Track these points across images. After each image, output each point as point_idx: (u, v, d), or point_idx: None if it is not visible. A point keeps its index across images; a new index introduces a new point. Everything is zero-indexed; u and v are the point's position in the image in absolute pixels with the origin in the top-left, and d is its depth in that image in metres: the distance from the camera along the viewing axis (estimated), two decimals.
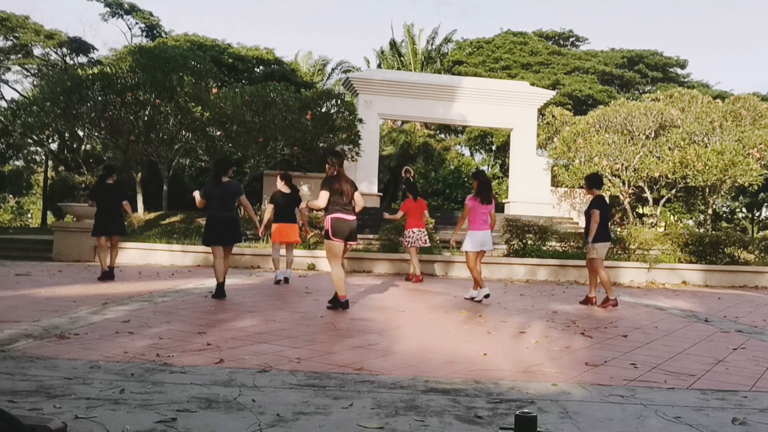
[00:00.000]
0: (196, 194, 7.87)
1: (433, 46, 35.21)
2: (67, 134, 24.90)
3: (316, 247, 12.99)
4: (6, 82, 29.72)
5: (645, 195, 19.98)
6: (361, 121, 18.05)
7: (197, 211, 18.43)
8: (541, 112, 22.67)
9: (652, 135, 19.19)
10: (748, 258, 14.01)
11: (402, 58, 34.69)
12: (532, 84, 24.84)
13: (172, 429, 2.86)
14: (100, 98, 16.86)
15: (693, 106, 19.75)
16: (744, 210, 31.70)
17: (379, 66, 35.52)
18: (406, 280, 10.91)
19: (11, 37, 27.35)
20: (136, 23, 31.93)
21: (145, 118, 17.35)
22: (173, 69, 17.33)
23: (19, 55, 28.44)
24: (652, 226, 19.55)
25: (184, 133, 18.17)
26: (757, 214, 31.74)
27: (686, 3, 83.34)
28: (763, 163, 18.59)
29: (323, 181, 7.07)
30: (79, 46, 28.79)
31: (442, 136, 32.86)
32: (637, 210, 22.80)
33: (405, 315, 6.82)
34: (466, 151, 33.47)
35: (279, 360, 4.33)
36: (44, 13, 63.59)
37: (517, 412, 1.52)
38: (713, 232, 17.04)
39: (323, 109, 17.42)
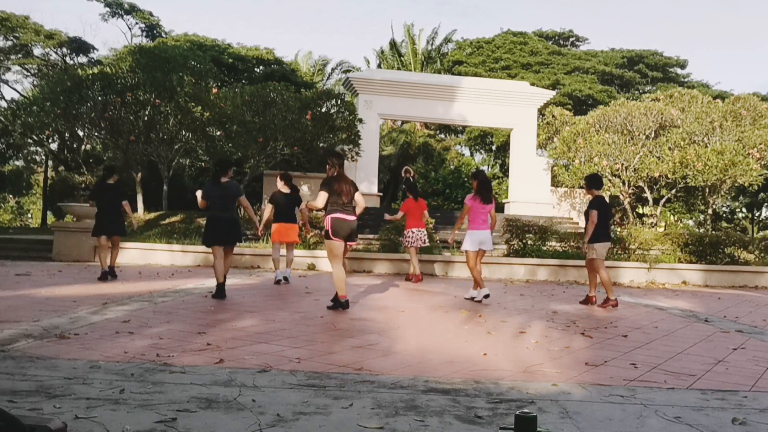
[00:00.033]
0: (198, 194, 7.90)
1: (433, 46, 35.22)
2: (67, 134, 24.90)
3: (316, 247, 12.99)
4: (6, 82, 29.75)
5: (645, 195, 19.98)
6: (361, 121, 18.05)
7: (197, 211, 18.46)
8: (541, 112, 22.68)
9: (652, 135, 19.19)
10: (748, 258, 14.01)
11: (402, 58, 34.69)
12: (532, 84, 24.85)
13: (172, 429, 2.86)
14: (100, 98, 16.87)
15: (693, 106, 19.75)
16: (744, 210, 31.70)
17: (379, 66, 35.52)
18: (406, 280, 10.91)
19: (11, 37, 27.35)
20: (136, 23, 31.94)
21: (145, 118, 17.35)
22: (173, 69, 17.33)
23: (19, 55, 28.45)
24: (652, 226, 19.55)
25: (184, 133, 18.17)
26: (757, 214, 31.74)
27: (686, 3, 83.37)
28: (763, 163, 18.59)
29: (323, 181, 7.08)
30: (79, 46, 28.79)
31: (442, 136, 32.87)
32: (637, 210, 22.80)
33: (405, 315, 6.82)
34: (466, 151, 33.48)
35: (279, 360, 4.33)
36: (44, 13, 63.65)
37: (517, 412, 1.52)
38: (713, 232, 17.04)
39: (323, 109, 17.43)
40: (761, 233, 29.11)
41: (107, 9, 30.82)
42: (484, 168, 31.64)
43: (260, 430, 2.87)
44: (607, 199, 9.19)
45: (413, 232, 10.77)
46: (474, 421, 3.13)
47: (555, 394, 3.69)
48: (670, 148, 18.47)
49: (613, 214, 19.24)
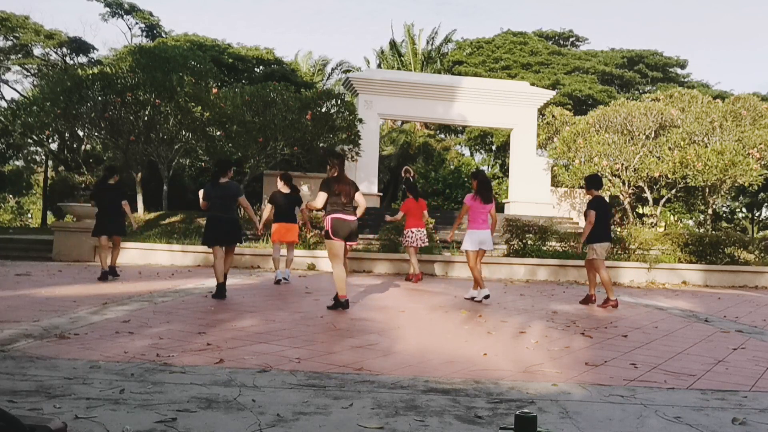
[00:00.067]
0: (201, 194, 7.93)
1: (433, 46, 35.22)
2: (67, 134, 24.90)
3: (316, 247, 12.99)
4: (6, 82, 29.75)
5: (645, 195, 19.98)
6: (361, 121, 18.05)
7: (197, 211, 18.46)
8: (541, 112, 22.68)
9: (652, 135, 19.19)
10: (748, 258, 14.01)
11: (402, 58, 34.69)
12: (532, 84, 24.85)
13: (172, 429, 2.86)
14: (100, 98, 16.87)
15: (693, 106, 19.75)
16: (744, 210, 31.70)
17: (379, 66, 35.52)
18: (407, 280, 10.92)
19: (11, 37, 27.36)
20: (136, 23, 31.94)
21: (145, 118, 17.35)
22: (173, 69, 17.33)
23: (19, 55, 28.45)
24: (652, 226, 19.55)
25: (184, 133, 18.17)
26: (757, 214, 31.74)
27: (686, 3, 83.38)
28: (763, 163, 18.59)
29: (322, 182, 7.11)
30: (79, 46, 28.80)
31: (442, 136, 32.87)
32: (637, 210, 22.80)
33: (405, 315, 6.83)
34: (466, 151, 33.49)
35: (279, 360, 4.33)
36: (44, 13, 63.69)
37: (517, 412, 1.52)
38: (713, 232, 17.04)
39: (323, 109, 17.43)
40: (761, 233, 29.11)
41: (107, 9, 30.83)
42: (484, 168, 31.64)
43: (260, 430, 2.87)
44: (607, 199, 9.20)
45: (413, 232, 10.78)
46: (474, 421, 3.13)
47: (555, 394, 3.69)
48: (670, 148, 18.47)
49: (613, 214, 19.25)
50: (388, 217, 11.98)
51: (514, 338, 5.62)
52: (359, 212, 7.10)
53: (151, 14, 31.64)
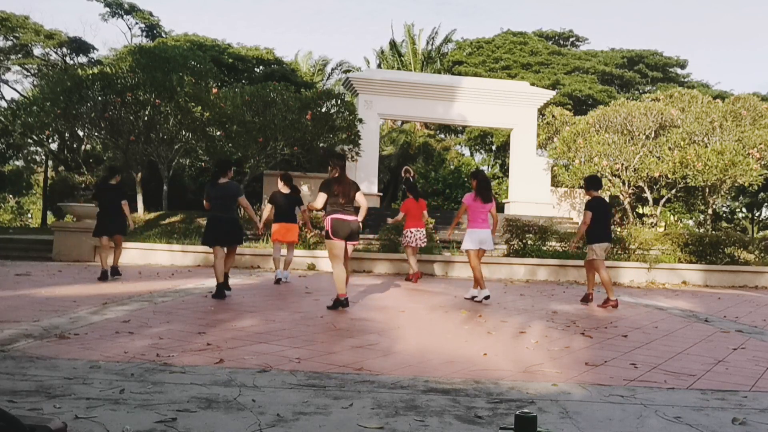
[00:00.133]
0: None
1: (433, 46, 35.22)
2: (67, 134, 24.91)
3: (316, 247, 12.99)
4: (6, 82, 29.76)
5: (645, 195, 19.98)
6: (361, 121, 18.05)
7: (197, 211, 18.47)
8: (541, 112, 22.68)
9: (652, 135, 19.19)
10: (748, 258, 14.01)
11: (402, 58, 34.69)
12: (532, 84, 24.85)
13: (172, 429, 2.86)
14: (100, 98, 16.86)
15: (693, 106, 19.75)
16: (744, 210, 31.71)
17: (379, 66, 35.53)
18: (407, 280, 10.93)
19: (11, 37, 27.36)
20: (136, 23, 31.95)
21: (145, 118, 17.35)
22: (173, 69, 17.33)
23: (19, 55, 28.45)
24: (652, 226, 19.55)
25: (184, 133, 18.17)
26: (757, 214, 31.74)
27: (686, 3, 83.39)
28: (763, 163, 18.59)
29: (323, 182, 7.15)
30: (79, 46, 28.80)
31: (442, 136, 32.87)
32: (637, 210, 22.80)
33: (405, 315, 6.83)
34: (466, 151, 33.49)
35: (279, 360, 4.33)
36: (44, 13, 63.72)
37: (517, 412, 1.52)
38: (713, 232, 17.04)
39: (323, 109, 17.43)
40: (761, 233, 29.11)
41: (107, 9, 30.84)
42: (484, 168, 31.65)
43: (260, 430, 2.87)
44: (607, 200, 9.20)
45: (412, 232, 10.79)
46: (474, 421, 3.13)
47: (555, 394, 3.69)
48: (670, 148, 18.47)
49: (614, 215, 19.25)
50: (389, 220, 12.03)
51: (514, 338, 5.62)
52: (362, 213, 7.13)
53: (151, 14, 31.65)
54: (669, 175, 18.40)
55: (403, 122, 29.42)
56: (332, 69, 35.70)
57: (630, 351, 5.12)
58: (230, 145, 17.33)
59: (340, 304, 6.93)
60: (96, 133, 18.71)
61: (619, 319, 7.05)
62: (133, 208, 15.91)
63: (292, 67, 31.47)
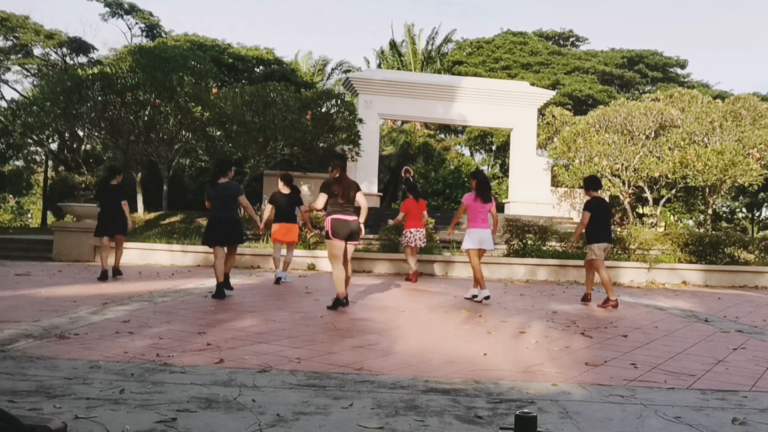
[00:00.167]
0: None
1: (433, 46, 35.22)
2: (67, 134, 24.91)
3: (316, 247, 13.00)
4: (6, 82, 29.76)
5: (645, 195, 19.98)
6: (361, 121, 18.05)
7: (197, 211, 18.48)
8: (541, 112, 22.68)
9: (652, 135, 19.19)
10: (748, 258, 14.01)
11: (402, 58, 34.69)
12: (532, 84, 24.85)
13: (172, 429, 2.86)
14: (100, 98, 16.86)
15: (693, 106, 19.75)
16: (744, 210, 31.70)
17: (379, 66, 35.53)
18: (407, 280, 10.93)
19: (11, 37, 27.36)
20: (136, 23, 31.95)
21: (145, 118, 17.35)
22: (173, 69, 17.32)
23: (19, 55, 28.45)
24: (652, 226, 19.55)
25: (184, 133, 18.17)
26: (757, 214, 31.74)
27: (686, 3, 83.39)
28: (763, 163, 18.59)
29: (323, 183, 7.20)
30: (79, 46, 28.80)
31: (442, 136, 32.87)
32: (637, 210, 22.80)
33: (405, 315, 6.83)
34: (466, 151, 33.50)
35: (279, 360, 4.33)
36: (44, 13, 63.74)
37: (517, 412, 1.52)
38: (713, 232, 17.04)
39: (323, 109, 17.42)
40: (761, 233, 29.11)
41: (107, 9, 30.84)
42: (484, 168, 31.65)
43: (260, 430, 2.87)
44: (607, 200, 9.21)
45: (411, 233, 10.80)
46: (474, 421, 3.13)
47: (555, 394, 3.69)
48: (670, 148, 18.47)
49: (613, 215, 19.25)
50: (390, 221, 12.05)
51: (514, 338, 5.62)
52: (363, 214, 7.15)
53: (151, 14, 31.66)
54: (669, 175, 18.40)
55: (403, 122, 29.42)
56: (332, 69, 35.73)
57: (630, 351, 5.12)
58: (230, 145, 17.33)
59: (339, 303, 6.94)
60: (96, 133, 18.71)
61: (619, 319, 7.05)
62: (133, 208, 15.92)
63: (292, 67, 31.47)
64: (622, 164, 18.87)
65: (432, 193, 24.01)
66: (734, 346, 5.51)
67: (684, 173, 17.97)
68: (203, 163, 22.11)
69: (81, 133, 23.53)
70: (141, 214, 17.83)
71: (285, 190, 9.88)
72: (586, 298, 8.50)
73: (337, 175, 7.07)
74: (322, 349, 4.81)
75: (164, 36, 31.33)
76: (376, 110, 20.33)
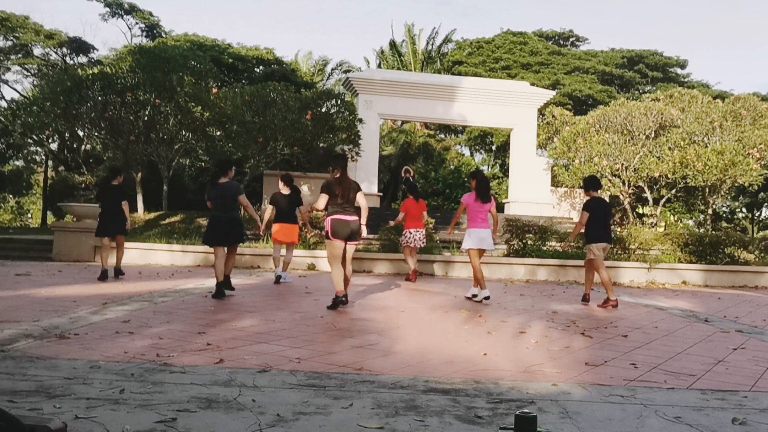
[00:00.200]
0: None
1: (433, 46, 35.22)
2: (67, 134, 24.90)
3: (316, 247, 13.00)
4: (6, 82, 29.75)
5: (645, 195, 19.98)
6: (361, 121, 18.05)
7: (197, 210, 18.48)
8: (541, 112, 22.68)
9: (652, 135, 19.18)
10: (748, 258, 14.01)
11: (402, 58, 34.69)
12: (532, 84, 24.85)
13: (172, 429, 2.86)
14: (100, 98, 16.86)
15: (693, 106, 19.74)
16: (744, 210, 31.70)
17: (379, 66, 35.52)
18: (407, 280, 10.93)
19: (11, 37, 27.35)
20: (136, 23, 31.94)
21: (145, 118, 17.35)
22: (173, 69, 17.33)
23: (19, 55, 28.45)
24: (652, 226, 19.54)
25: (184, 133, 18.17)
26: (757, 214, 31.74)
27: (686, 3, 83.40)
28: (763, 163, 18.58)
29: (324, 183, 7.22)
30: (79, 46, 28.80)
31: (442, 136, 32.87)
32: (637, 210, 22.80)
33: (405, 315, 6.83)
34: (466, 151, 33.49)
35: (279, 360, 4.33)
36: (44, 13, 63.75)
37: (517, 412, 1.52)
38: (713, 232, 17.04)
39: (323, 109, 17.42)
40: (761, 233, 29.11)
41: (107, 9, 30.84)
42: (484, 168, 31.65)
43: (260, 430, 2.87)
44: (607, 200, 9.21)
45: (411, 233, 10.80)
46: (474, 421, 3.13)
47: (555, 394, 3.69)
48: (670, 148, 18.47)
49: (613, 215, 19.25)
50: (391, 222, 12.06)
51: (514, 338, 5.62)
52: (363, 215, 7.16)
53: (151, 14, 31.66)
54: (669, 175, 18.39)
55: (403, 122, 29.42)
56: (332, 69, 35.72)
57: (630, 351, 5.12)
58: (230, 145, 17.33)
59: (339, 302, 6.95)
60: (96, 133, 18.71)
61: (619, 319, 7.05)
62: (133, 208, 15.92)
63: (292, 67, 31.47)
64: (622, 164, 18.87)
65: (432, 193, 24.01)
66: (734, 346, 5.51)
67: (684, 173, 17.97)
68: (203, 163, 22.11)
69: (81, 133, 23.53)
70: (141, 214, 17.83)
71: (285, 191, 9.90)
72: (585, 298, 8.51)
73: (338, 176, 7.09)
74: (322, 349, 4.81)
75: (164, 36, 31.32)
76: (376, 110, 20.33)
